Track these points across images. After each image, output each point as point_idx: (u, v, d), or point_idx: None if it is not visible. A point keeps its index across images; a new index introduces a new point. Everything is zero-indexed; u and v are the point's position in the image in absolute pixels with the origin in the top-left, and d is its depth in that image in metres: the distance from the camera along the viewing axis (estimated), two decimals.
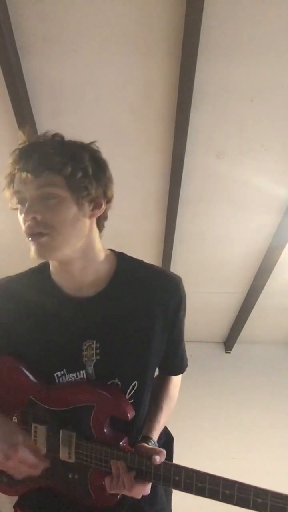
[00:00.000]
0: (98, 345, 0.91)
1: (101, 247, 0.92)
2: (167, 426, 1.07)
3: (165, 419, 1.01)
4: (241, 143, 1.96)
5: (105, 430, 0.87)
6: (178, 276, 0.99)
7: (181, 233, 2.47)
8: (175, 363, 1.07)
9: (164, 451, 0.83)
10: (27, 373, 0.94)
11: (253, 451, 2.90)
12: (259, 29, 1.54)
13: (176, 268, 2.78)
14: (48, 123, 1.88)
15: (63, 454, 0.89)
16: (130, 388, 0.93)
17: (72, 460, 0.89)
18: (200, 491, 0.77)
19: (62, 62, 1.67)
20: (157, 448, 0.85)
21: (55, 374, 0.92)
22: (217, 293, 3.10)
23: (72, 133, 0.85)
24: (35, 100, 1.79)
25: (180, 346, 1.05)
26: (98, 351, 0.91)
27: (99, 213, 0.87)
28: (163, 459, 0.81)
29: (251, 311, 3.16)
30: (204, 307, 3.24)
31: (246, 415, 3.15)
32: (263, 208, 2.31)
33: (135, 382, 0.93)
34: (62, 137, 0.84)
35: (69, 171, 0.78)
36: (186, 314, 1.01)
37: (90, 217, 0.85)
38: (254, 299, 3.04)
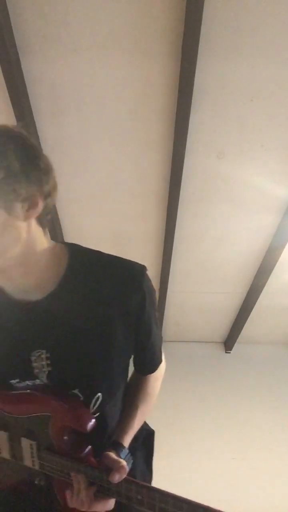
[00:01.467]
0: (48, 355, 0.81)
1: (45, 246, 0.79)
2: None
3: (142, 418, 0.96)
4: (241, 143, 1.96)
5: (65, 440, 0.82)
6: (141, 267, 0.86)
7: (181, 233, 2.47)
8: (144, 363, 0.99)
9: (126, 468, 0.75)
10: None
11: (253, 451, 2.89)
12: (259, 29, 1.54)
13: (176, 268, 2.78)
14: (48, 123, 1.88)
15: (27, 461, 0.86)
16: (94, 401, 0.85)
17: (37, 467, 0.85)
18: None
19: (62, 62, 1.67)
20: (121, 462, 0.77)
21: (11, 381, 0.85)
22: (217, 293, 3.10)
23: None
24: (35, 100, 1.79)
25: (148, 346, 0.95)
26: (49, 361, 0.81)
27: (36, 213, 0.73)
28: (123, 477, 0.74)
29: (251, 311, 3.17)
30: (204, 307, 3.25)
31: (246, 415, 3.15)
32: (263, 208, 2.31)
33: (99, 394, 0.85)
34: None
35: None
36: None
37: (26, 218, 0.72)
38: (254, 299, 3.04)
